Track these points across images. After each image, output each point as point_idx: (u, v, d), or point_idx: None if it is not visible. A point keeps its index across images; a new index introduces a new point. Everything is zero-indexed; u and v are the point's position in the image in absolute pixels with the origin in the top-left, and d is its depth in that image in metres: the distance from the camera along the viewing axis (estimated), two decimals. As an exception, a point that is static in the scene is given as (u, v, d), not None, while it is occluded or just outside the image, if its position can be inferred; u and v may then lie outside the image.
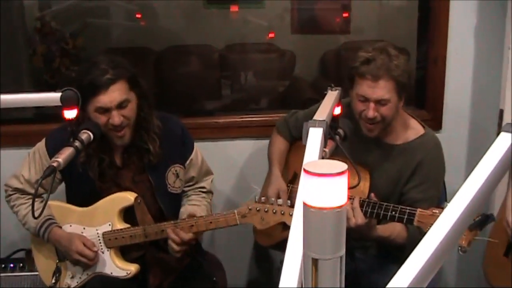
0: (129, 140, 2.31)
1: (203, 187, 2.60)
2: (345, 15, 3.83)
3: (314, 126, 1.34)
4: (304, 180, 0.88)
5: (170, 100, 3.56)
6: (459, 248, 1.91)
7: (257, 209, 2.18)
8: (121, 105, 2.21)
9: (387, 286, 0.92)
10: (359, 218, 2.16)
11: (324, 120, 1.36)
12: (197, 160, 2.54)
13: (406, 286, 0.92)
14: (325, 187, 0.86)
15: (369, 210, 2.18)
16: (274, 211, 2.16)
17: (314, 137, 1.29)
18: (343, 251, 0.92)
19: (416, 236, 2.33)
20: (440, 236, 0.95)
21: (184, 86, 3.68)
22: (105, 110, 2.19)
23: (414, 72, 3.13)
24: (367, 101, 2.25)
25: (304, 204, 0.89)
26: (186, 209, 2.47)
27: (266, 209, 2.17)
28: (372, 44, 2.29)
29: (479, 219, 1.86)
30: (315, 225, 0.89)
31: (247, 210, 2.19)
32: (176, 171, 2.45)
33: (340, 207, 0.88)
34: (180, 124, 2.52)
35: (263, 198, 2.19)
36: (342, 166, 0.88)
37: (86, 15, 3.53)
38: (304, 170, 0.87)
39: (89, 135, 1.97)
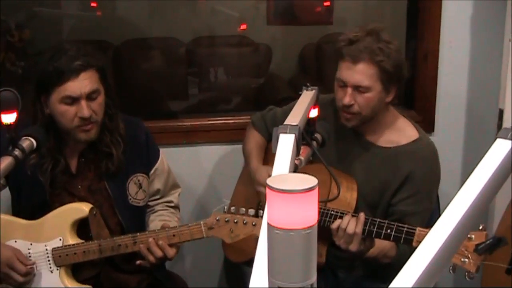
0: (94, 137, 2.28)
1: (170, 201, 2.58)
2: (326, 4, 3.83)
3: (285, 132, 1.32)
4: (268, 197, 0.86)
5: (130, 100, 3.52)
6: (466, 273, 1.90)
7: (226, 220, 2.16)
8: (91, 96, 2.20)
9: None
10: (355, 246, 2.14)
11: (296, 125, 1.34)
12: (163, 170, 2.51)
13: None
14: (292, 205, 0.84)
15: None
16: (244, 222, 2.14)
17: (285, 144, 1.27)
18: (314, 278, 0.90)
19: (406, 255, 2.31)
20: (433, 251, 0.95)
21: (145, 84, 3.65)
22: (73, 100, 2.17)
23: (407, 66, 3.13)
24: (345, 86, 2.25)
25: (269, 225, 0.87)
26: (156, 225, 2.43)
27: (235, 220, 2.15)
28: (362, 26, 2.29)
29: (489, 242, 1.84)
30: (281, 248, 0.87)
31: (214, 221, 2.17)
32: (138, 180, 2.42)
33: (310, 227, 0.86)
34: (144, 129, 2.50)
35: (232, 208, 2.17)
36: (311, 180, 0.86)
37: (34, 3, 3.48)
38: (268, 186, 0.85)
39: (32, 142, 1.92)
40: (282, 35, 3.99)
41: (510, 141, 1.04)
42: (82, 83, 2.16)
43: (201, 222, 2.20)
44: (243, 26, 3.79)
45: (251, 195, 2.55)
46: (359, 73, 2.21)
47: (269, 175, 2.56)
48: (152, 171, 2.48)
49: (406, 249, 2.28)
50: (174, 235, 2.23)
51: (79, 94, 2.16)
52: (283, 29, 3.98)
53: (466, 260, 1.86)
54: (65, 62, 2.15)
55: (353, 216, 2.17)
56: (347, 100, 2.24)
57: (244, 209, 2.16)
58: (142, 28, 3.75)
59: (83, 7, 3.67)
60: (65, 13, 3.65)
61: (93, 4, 3.63)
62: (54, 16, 3.61)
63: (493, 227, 2.70)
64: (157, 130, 2.89)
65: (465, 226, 0.99)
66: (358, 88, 2.23)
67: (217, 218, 2.17)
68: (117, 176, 2.37)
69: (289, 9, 3.89)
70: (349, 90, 2.24)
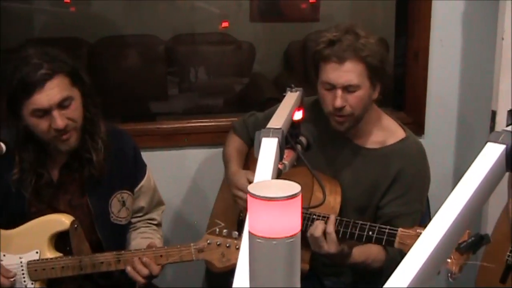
0: (76, 144, 2.24)
1: (153, 219, 2.56)
2: (312, 0, 3.84)
3: (268, 136, 1.32)
4: (249, 205, 0.86)
5: (106, 101, 3.49)
6: (449, 274, 1.90)
7: (218, 243, 2.15)
8: (62, 104, 2.14)
9: None
10: (333, 246, 2.14)
11: (279, 129, 1.34)
12: (149, 188, 2.50)
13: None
14: (274, 213, 0.85)
15: (342, 229, 2.17)
16: (237, 247, 2.13)
17: (268, 149, 1.27)
18: (297, 288, 0.90)
19: (396, 259, 2.32)
20: (422, 259, 0.95)
21: (122, 84, 3.64)
22: (44, 113, 2.12)
23: (390, 61, 3.13)
24: (333, 89, 2.25)
25: (250, 233, 0.87)
26: (139, 243, 2.42)
27: (228, 244, 2.14)
28: (338, 25, 2.30)
29: (471, 241, 1.84)
30: (263, 258, 0.88)
31: (205, 244, 2.16)
32: (122, 198, 2.40)
33: (293, 235, 0.86)
34: (132, 143, 2.48)
35: (225, 231, 2.16)
36: (294, 187, 0.87)
37: (3, -2, 3.46)
38: (249, 193, 0.85)
39: (1, 146, 1.91)
40: (266, 33, 4.00)
41: (501, 145, 1.04)
42: (50, 93, 2.10)
43: (191, 245, 2.18)
44: (225, 23, 3.80)
45: (233, 205, 2.55)
46: (347, 72, 2.22)
47: (248, 180, 2.55)
48: (137, 188, 2.45)
49: (397, 253, 2.30)
50: (161, 256, 2.22)
51: (49, 106, 2.11)
52: (267, 26, 3.99)
53: (449, 260, 1.86)
54: (28, 73, 2.08)
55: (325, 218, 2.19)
56: (338, 102, 2.24)
57: (237, 232, 2.15)
58: (119, 25, 3.74)
59: (55, 2, 3.65)
60: (36, 9, 3.64)
61: (67, 0, 3.62)
62: (24, 11, 3.58)
63: (487, 231, 2.72)
64: (135, 133, 2.86)
65: (455, 232, 0.99)
66: (348, 88, 2.24)
67: (208, 241, 2.16)
68: (100, 192, 2.35)
69: (273, 6, 3.91)
70: (339, 92, 2.24)
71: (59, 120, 2.13)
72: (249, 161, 2.67)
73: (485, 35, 2.98)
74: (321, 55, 2.25)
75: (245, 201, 2.48)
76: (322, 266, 2.44)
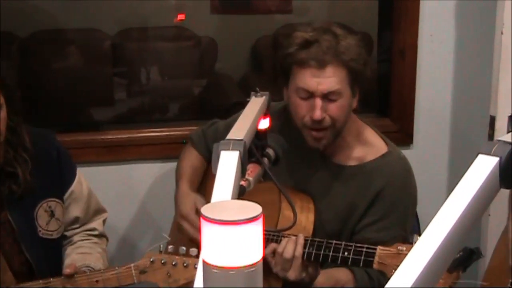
0: (1, 159, 2.25)
1: (93, 229, 2.55)
2: (283, -11, 3.87)
3: (228, 149, 1.33)
4: (203, 230, 0.87)
5: (40, 106, 3.49)
6: None
7: (162, 261, 2.15)
8: None
9: None
10: (294, 274, 2.17)
11: (241, 140, 1.35)
12: (81, 193, 2.49)
13: None
14: (231, 238, 0.85)
15: (314, 251, 2.19)
16: (185, 264, 2.13)
17: (227, 164, 1.28)
18: (259, 325, 0.92)
19: (364, 284, 2.34)
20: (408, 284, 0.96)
21: (60, 87, 3.62)
22: None
23: (373, 63, 3.14)
24: (311, 98, 2.26)
25: (204, 263, 0.88)
26: (72, 260, 2.41)
27: (174, 262, 2.14)
28: (311, 24, 2.32)
29: (460, 256, 1.86)
30: (220, 290, 0.88)
31: (148, 264, 2.16)
32: (49, 207, 2.39)
33: (254, 265, 0.87)
34: (55, 143, 2.48)
35: (170, 247, 2.16)
36: (255, 208, 0.88)
37: None
38: (202, 216, 0.86)
39: None
40: (229, 26, 4.00)
41: (493, 158, 1.06)
42: None
43: (131, 265, 2.19)
44: (181, 16, 3.80)
45: None
46: (328, 78, 2.22)
47: (197, 207, 2.55)
48: (67, 195, 2.45)
49: (365, 278, 2.32)
50: (97, 281, 2.21)
51: None
52: (231, 18, 3.99)
53: None
54: None
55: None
56: (318, 114, 2.24)
57: (184, 248, 2.15)
58: (56, 16, 3.72)
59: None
60: None
61: (-9, -14, 3.59)
62: None
63: (485, 260, 2.75)
64: (75, 144, 2.87)
65: (442, 256, 1.01)
66: (328, 96, 2.24)
67: (151, 260, 2.16)
68: (22, 204, 2.33)
69: (238, -6, 3.92)
70: (318, 101, 2.24)
71: None
72: (207, 179, 2.67)
73: (482, 29, 3.03)
74: (295, 59, 2.25)
75: (192, 231, 2.46)
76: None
